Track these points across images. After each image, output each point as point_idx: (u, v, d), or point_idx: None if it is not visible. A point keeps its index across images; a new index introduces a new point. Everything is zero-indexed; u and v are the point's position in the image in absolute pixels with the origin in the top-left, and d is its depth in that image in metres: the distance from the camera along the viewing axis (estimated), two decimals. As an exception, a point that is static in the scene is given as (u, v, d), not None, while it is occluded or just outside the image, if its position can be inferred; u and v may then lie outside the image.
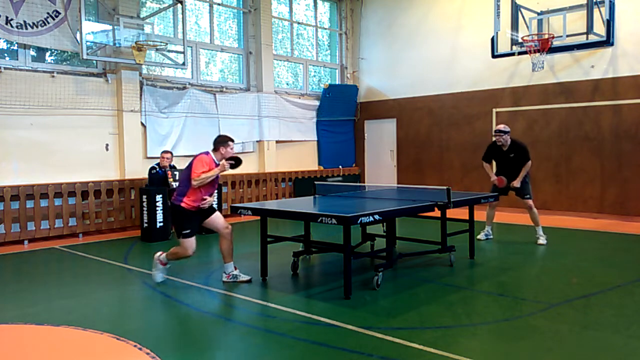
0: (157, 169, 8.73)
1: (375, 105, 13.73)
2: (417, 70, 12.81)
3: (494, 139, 7.78)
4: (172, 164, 8.95)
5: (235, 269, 5.78)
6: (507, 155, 7.69)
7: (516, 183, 7.58)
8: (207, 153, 5.59)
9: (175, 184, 8.69)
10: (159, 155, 9.00)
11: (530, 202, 7.66)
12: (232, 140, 5.67)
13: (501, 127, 7.74)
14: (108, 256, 7.22)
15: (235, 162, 5.48)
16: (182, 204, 5.46)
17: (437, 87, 12.45)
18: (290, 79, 13.36)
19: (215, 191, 5.74)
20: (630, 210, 9.89)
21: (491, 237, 8.13)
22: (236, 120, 11.38)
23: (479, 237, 7.94)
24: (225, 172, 5.69)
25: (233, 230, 5.69)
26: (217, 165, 5.50)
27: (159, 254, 5.75)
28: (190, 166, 5.51)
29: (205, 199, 5.53)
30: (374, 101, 13.76)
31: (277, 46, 12.66)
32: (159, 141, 9.94)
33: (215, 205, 5.86)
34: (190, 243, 5.52)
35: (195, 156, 5.59)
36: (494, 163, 7.97)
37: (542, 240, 7.69)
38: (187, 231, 5.48)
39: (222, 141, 5.62)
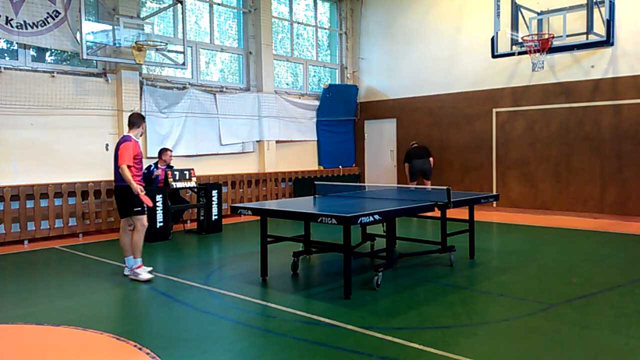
0: (152, 168, 8.75)
1: (375, 105, 13.73)
2: (417, 70, 12.81)
3: (413, 145, 11.84)
4: (170, 163, 8.96)
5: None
6: (419, 154, 11.64)
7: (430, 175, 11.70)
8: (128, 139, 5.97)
9: (175, 185, 8.70)
10: (158, 155, 9.03)
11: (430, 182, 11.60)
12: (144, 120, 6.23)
13: (415, 143, 12.01)
14: (108, 256, 7.22)
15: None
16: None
17: (437, 87, 12.46)
18: (290, 79, 13.36)
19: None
20: (630, 210, 9.90)
21: None
22: (236, 120, 11.38)
23: None
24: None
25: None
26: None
27: (128, 269, 6.03)
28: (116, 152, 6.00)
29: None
30: (374, 101, 13.76)
31: (277, 46, 12.66)
32: (159, 141, 9.94)
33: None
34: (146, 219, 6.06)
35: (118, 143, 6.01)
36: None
37: None
38: (139, 208, 5.96)
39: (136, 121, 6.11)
